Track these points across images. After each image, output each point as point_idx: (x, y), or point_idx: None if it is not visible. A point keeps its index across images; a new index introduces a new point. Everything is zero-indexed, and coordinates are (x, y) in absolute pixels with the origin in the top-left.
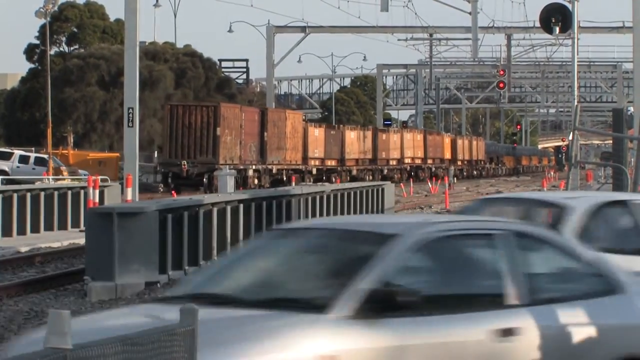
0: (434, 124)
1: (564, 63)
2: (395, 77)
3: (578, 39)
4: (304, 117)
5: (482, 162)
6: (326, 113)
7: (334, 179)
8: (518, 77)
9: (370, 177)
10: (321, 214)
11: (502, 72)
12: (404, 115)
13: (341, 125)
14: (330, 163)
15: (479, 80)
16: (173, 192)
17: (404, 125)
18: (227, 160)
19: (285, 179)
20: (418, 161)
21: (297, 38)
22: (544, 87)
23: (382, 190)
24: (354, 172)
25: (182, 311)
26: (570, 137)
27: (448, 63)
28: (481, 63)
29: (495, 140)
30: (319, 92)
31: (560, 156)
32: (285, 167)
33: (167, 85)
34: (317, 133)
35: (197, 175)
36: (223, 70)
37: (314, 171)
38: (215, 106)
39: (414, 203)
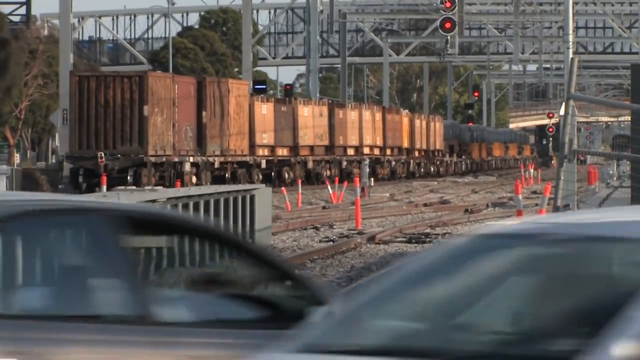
0: (338, 88)
1: None
2: (273, 11)
3: None
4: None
5: (440, 154)
6: (158, 70)
7: (285, 175)
8: (476, 12)
9: (328, 172)
10: None
11: (448, 4)
12: (288, 74)
13: (293, 99)
14: (282, 152)
15: (411, 17)
16: None
17: (289, 90)
18: (157, 150)
19: (228, 175)
20: (377, 151)
21: None
22: (519, 28)
23: (252, 199)
24: (310, 165)
25: None
26: (562, 112)
27: None
28: None
29: (439, 114)
30: (146, 36)
31: (545, 142)
32: (230, 159)
33: None
34: (265, 110)
35: (119, 171)
36: None
37: (263, 164)
38: (140, 76)
39: (303, 220)
